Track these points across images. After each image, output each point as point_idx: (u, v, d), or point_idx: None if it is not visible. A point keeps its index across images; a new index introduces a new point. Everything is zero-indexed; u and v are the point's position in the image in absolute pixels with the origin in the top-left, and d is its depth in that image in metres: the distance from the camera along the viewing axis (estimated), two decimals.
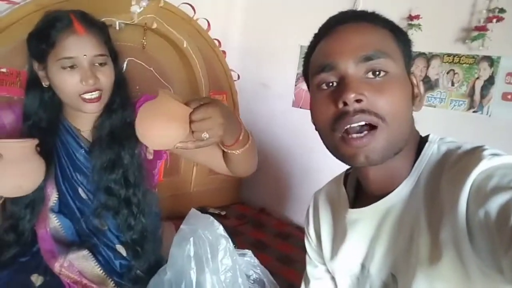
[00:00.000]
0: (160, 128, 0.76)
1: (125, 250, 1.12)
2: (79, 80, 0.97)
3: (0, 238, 1.04)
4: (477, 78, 1.50)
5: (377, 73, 0.61)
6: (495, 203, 0.49)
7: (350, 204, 0.76)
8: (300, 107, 2.15)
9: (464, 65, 1.53)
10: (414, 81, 0.67)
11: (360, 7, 1.75)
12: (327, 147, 0.68)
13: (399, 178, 0.66)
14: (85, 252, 1.07)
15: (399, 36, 0.67)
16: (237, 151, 0.96)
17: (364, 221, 0.71)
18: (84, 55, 0.97)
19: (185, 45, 1.91)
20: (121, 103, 1.10)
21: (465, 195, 0.54)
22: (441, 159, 0.64)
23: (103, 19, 1.14)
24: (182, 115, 0.75)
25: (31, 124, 1.04)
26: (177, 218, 1.34)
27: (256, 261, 1.16)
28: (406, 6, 1.63)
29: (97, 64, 1.00)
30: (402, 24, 1.62)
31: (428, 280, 0.59)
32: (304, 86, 0.80)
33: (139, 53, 1.79)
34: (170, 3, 1.82)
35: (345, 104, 0.60)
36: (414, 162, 0.66)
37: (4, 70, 1.36)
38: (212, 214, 1.03)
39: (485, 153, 0.56)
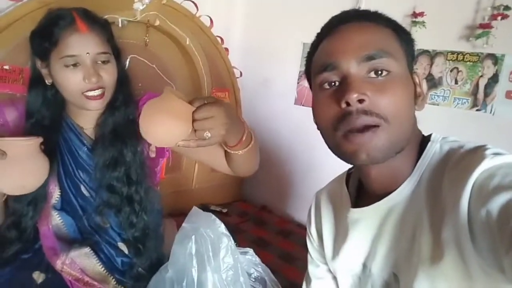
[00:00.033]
0: (163, 125, 0.77)
1: (126, 247, 1.12)
2: (82, 78, 0.97)
3: (2, 235, 1.05)
4: (481, 76, 1.49)
5: (380, 72, 0.61)
6: (496, 203, 0.49)
7: (352, 204, 0.76)
8: (302, 105, 2.15)
9: (468, 63, 1.52)
10: (417, 80, 0.67)
11: (363, 4, 1.75)
12: (329, 146, 0.68)
13: (401, 177, 0.66)
14: (87, 250, 1.08)
15: (402, 35, 0.67)
16: (240, 152, 0.96)
17: (366, 221, 0.71)
18: (87, 53, 0.97)
19: (187, 42, 1.91)
20: (124, 101, 1.10)
21: (467, 194, 0.54)
22: (443, 158, 0.63)
23: (105, 17, 1.14)
24: (185, 113, 0.76)
25: (34, 122, 1.04)
26: (179, 215, 1.35)
27: (258, 259, 1.17)
28: (410, 3, 1.62)
29: (99, 62, 1.00)
30: (406, 21, 1.61)
31: (430, 279, 0.59)
32: (306, 83, 0.79)
33: (142, 50, 1.79)
34: (172, 0, 1.82)
35: (348, 104, 0.60)
36: (416, 162, 0.66)
37: (7, 67, 1.37)
38: (214, 212, 1.04)
39: (487, 152, 0.56)
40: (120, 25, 1.61)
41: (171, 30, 1.83)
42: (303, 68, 0.79)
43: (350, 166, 0.80)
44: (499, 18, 1.39)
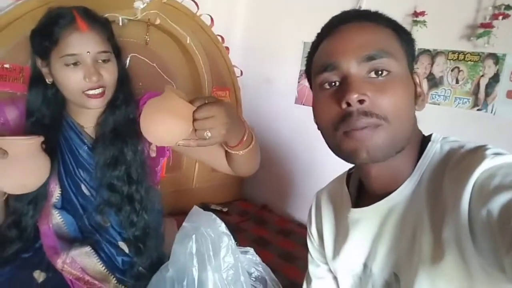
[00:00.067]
0: (163, 124, 0.77)
1: (127, 246, 1.12)
2: (82, 77, 0.97)
3: (3, 234, 1.05)
4: (482, 75, 1.49)
5: (380, 72, 0.61)
6: (497, 202, 0.49)
7: (352, 204, 0.76)
8: (303, 104, 2.15)
9: (469, 62, 1.52)
10: (417, 80, 0.67)
11: (363, 4, 1.74)
12: (329, 146, 0.68)
13: (402, 177, 0.66)
14: (87, 249, 1.08)
15: (402, 35, 0.67)
16: (241, 152, 0.96)
17: (367, 221, 0.71)
18: (88, 52, 0.97)
19: (188, 41, 1.91)
20: (124, 99, 1.10)
21: (467, 194, 0.54)
22: (444, 158, 0.63)
23: (106, 15, 1.14)
24: (186, 112, 0.76)
25: (34, 121, 1.04)
26: (179, 214, 1.35)
27: (258, 259, 1.17)
28: (411, 2, 1.62)
29: (100, 61, 1.00)
30: (407, 20, 1.61)
31: (430, 279, 0.59)
32: (306, 83, 0.80)
33: (142, 49, 1.79)
34: None
35: (348, 104, 0.60)
36: (417, 161, 0.66)
37: (7, 65, 1.37)
38: (214, 211, 1.04)
39: (488, 152, 0.56)
40: (120, 23, 1.61)
41: (172, 29, 1.83)
42: (303, 67, 0.79)
43: (350, 166, 0.80)
44: (500, 17, 1.39)
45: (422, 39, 1.50)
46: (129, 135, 1.08)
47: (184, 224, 0.97)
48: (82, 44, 0.96)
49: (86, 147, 1.10)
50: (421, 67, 1.64)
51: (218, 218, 1.00)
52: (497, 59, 1.45)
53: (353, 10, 0.70)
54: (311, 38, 0.73)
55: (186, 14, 1.91)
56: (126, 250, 1.12)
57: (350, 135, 0.61)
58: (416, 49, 0.70)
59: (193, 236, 0.94)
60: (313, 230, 0.90)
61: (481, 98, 1.50)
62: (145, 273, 1.10)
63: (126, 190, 1.08)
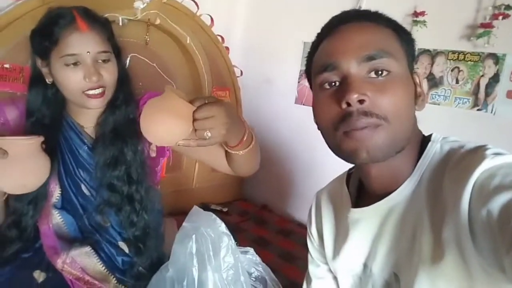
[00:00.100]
0: (163, 124, 0.77)
1: (127, 246, 1.12)
2: (82, 77, 0.97)
3: (3, 234, 1.04)
4: (482, 75, 1.49)
5: (380, 72, 0.61)
6: (497, 202, 0.49)
7: (352, 204, 0.76)
8: (303, 104, 2.15)
9: (469, 62, 1.52)
10: (417, 80, 0.67)
11: (363, 4, 1.74)
12: (329, 146, 0.68)
13: (402, 177, 0.66)
14: (87, 249, 1.08)
15: (402, 35, 0.67)
16: (241, 152, 0.96)
17: (367, 221, 0.71)
18: (88, 52, 0.97)
19: (188, 41, 1.91)
20: (124, 99, 1.10)
21: (467, 194, 0.54)
22: (444, 158, 0.63)
23: (106, 15, 1.14)
24: (186, 112, 0.76)
25: (34, 121, 1.04)
26: (179, 214, 1.35)
27: (258, 259, 1.17)
28: (411, 2, 1.62)
29: (100, 61, 1.00)
30: (407, 20, 1.61)
31: (430, 279, 0.59)
32: (306, 83, 0.79)
33: (142, 49, 1.79)
34: None
35: (348, 104, 0.60)
36: (417, 161, 0.66)
37: (7, 65, 1.37)
38: (214, 211, 1.04)
39: (488, 152, 0.56)
40: (120, 23, 1.61)
41: (172, 29, 1.83)
42: (303, 67, 0.79)
43: (350, 166, 0.80)
44: (500, 17, 1.39)
45: (422, 39, 1.50)
46: (129, 135, 1.08)
47: (184, 224, 0.97)
48: (82, 44, 0.96)
49: (86, 147, 1.10)
50: (421, 67, 1.64)
51: (218, 218, 1.00)
52: (497, 59, 1.45)
53: (353, 10, 0.70)
54: (311, 38, 0.73)
55: (186, 14, 1.91)
56: (126, 250, 1.12)
57: (350, 135, 0.61)
58: (416, 49, 0.70)
59: (193, 236, 0.94)
60: (313, 230, 0.90)
61: (481, 98, 1.50)
62: (145, 273, 1.10)
63: (126, 190, 1.08)
